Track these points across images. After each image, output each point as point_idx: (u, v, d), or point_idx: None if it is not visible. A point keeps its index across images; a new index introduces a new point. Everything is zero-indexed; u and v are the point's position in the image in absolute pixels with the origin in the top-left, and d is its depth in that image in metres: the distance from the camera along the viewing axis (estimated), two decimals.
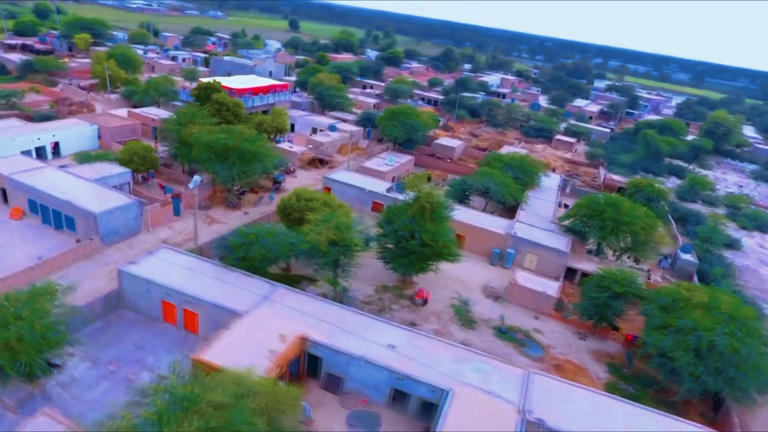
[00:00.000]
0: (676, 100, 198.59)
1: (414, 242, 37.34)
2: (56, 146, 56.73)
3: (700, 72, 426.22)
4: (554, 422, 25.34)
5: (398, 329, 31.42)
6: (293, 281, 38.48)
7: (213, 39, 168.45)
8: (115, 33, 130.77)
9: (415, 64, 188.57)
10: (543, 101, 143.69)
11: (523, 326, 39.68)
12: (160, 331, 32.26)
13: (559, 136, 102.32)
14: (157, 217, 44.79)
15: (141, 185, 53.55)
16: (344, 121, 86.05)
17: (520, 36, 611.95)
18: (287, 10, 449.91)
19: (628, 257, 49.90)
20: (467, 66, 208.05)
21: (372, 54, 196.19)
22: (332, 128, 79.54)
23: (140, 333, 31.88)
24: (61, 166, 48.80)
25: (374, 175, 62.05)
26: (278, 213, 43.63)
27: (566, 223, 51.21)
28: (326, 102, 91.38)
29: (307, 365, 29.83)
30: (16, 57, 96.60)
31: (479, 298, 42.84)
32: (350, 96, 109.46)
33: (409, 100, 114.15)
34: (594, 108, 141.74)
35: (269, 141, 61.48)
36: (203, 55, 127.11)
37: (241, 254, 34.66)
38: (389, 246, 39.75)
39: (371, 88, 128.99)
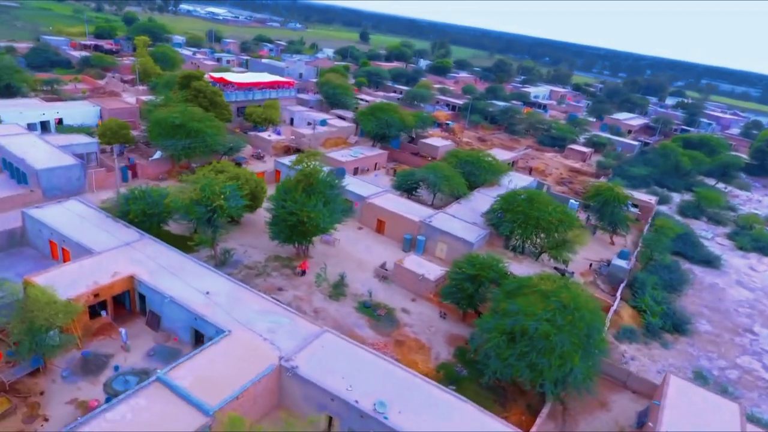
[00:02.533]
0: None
1: (284, 213, 39.56)
2: (60, 121, 65.83)
3: None
4: (308, 372, 26.35)
5: (226, 281, 33.85)
6: (192, 242, 41.70)
7: (270, 45, 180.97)
8: (174, 37, 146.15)
9: (463, 74, 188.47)
10: (582, 113, 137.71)
11: (392, 304, 40.16)
12: (44, 265, 37.31)
13: (573, 146, 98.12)
14: (102, 181, 50.89)
15: (119, 156, 60.70)
16: (344, 118, 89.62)
17: (606, 52, 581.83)
18: (369, 25, 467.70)
19: (548, 257, 47.96)
20: (521, 77, 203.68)
21: (423, 63, 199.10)
22: (322, 122, 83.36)
23: (27, 264, 37.12)
24: (44, 135, 57.06)
25: (334, 164, 64.65)
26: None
27: (488, 217, 50.36)
28: (331, 100, 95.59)
29: (139, 303, 33.20)
30: (78, 54, 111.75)
31: (368, 278, 43.86)
32: (370, 98, 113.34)
33: (426, 104, 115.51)
34: (637, 122, 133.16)
35: (252, 128, 66.47)
36: (247, 57, 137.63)
37: (124, 208, 39.08)
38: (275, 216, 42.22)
39: (400, 93, 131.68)
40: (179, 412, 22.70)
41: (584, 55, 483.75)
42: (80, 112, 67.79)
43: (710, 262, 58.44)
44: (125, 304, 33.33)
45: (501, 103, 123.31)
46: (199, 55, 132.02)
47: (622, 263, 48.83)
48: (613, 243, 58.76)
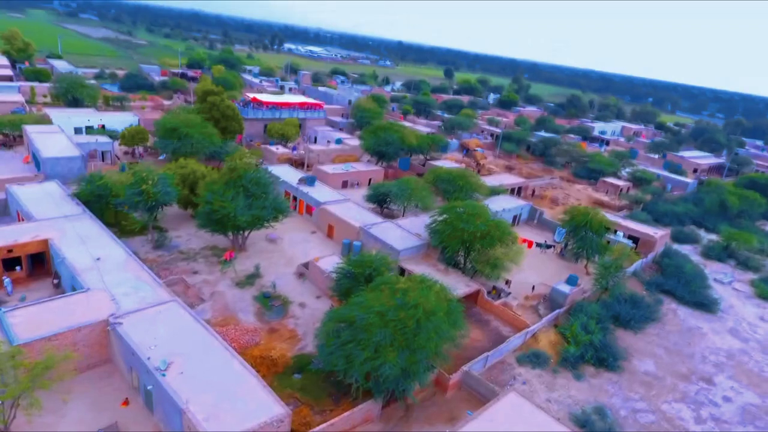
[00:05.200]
0: None
1: (204, 203, 42.97)
2: (103, 127, 76.89)
3: None
4: (128, 330, 28.58)
5: (123, 253, 37.41)
6: (125, 223, 46.76)
7: (343, 78, 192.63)
8: (250, 68, 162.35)
9: (531, 108, 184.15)
10: (642, 150, 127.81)
11: (293, 298, 41.27)
12: None
13: (607, 179, 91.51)
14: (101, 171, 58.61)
15: (141, 155, 70.01)
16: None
17: (731, 95, 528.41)
18: (463, 63, 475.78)
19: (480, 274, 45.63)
20: (595, 113, 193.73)
21: (492, 98, 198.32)
22: (338, 141, 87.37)
23: None
24: (76, 135, 67.33)
25: (320, 176, 67.81)
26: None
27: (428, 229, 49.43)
28: (360, 122, 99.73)
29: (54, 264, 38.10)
30: (160, 79, 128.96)
31: (289, 274, 45.41)
32: (408, 124, 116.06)
33: (465, 133, 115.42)
34: (706, 161, 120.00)
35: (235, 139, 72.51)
36: (307, 85, 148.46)
37: (79, 190, 45.20)
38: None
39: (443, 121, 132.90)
40: None
41: (696, 97, 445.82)
42: (121, 120, 78.46)
43: (705, 305, 51.14)
44: (44, 263, 38.42)
45: (547, 135, 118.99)
46: (265, 83, 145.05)
47: (564, 288, 44.93)
48: (588, 272, 53.97)
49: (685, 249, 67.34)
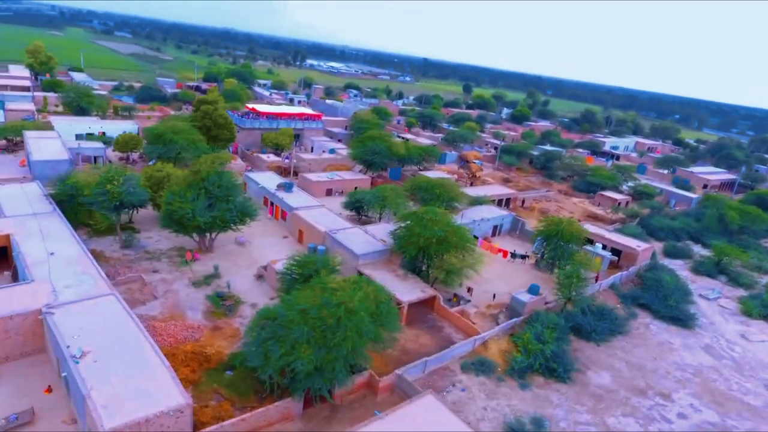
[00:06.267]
0: None
1: (165, 203, 44.12)
2: (103, 133, 79.96)
3: None
4: (59, 320, 29.44)
5: (78, 250, 38.47)
6: (92, 222, 48.01)
7: (356, 92, 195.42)
8: (263, 82, 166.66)
9: (543, 122, 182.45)
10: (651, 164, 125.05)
11: (246, 299, 41.69)
12: None
13: (606, 193, 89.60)
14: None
15: (130, 162, 72.29)
16: None
17: (751, 111, 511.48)
18: (486, 80, 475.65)
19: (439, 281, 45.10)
20: (610, 128, 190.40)
21: (505, 112, 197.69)
22: (331, 151, 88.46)
23: None
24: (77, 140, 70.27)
25: (304, 184, 68.81)
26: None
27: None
28: (357, 133, 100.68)
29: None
30: (173, 91, 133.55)
31: (249, 275, 45.98)
32: (411, 136, 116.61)
33: (466, 145, 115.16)
34: (717, 177, 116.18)
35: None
36: (316, 98, 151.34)
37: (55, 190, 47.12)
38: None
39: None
40: None
41: (727, 114, 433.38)
42: (121, 128, 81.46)
43: (680, 320, 49.19)
44: (7, 257, 40.01)
45: (551, 148, 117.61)
46: (275, 96, 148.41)
47: (524, 297, 43.98)
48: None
49: (676, 264, 65.10)
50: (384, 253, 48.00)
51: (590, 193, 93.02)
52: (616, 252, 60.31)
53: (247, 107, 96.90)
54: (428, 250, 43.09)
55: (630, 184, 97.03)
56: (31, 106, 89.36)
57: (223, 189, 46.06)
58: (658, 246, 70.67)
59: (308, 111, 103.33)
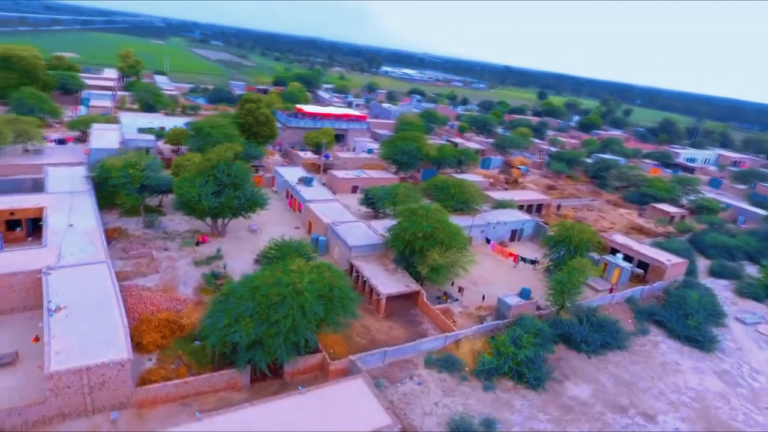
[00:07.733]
0: None
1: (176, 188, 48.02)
2: (163, 128, 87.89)
3: None
4: (53, 280, 33.51)
5: (96, 225, 43.23)
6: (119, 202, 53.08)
7: (419, 97, 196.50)
8: (326, 86, 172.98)
9: (614, 131, 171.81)
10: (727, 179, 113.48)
11: (237, 279, 44.12)
12: None
13: (659, 205, 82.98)
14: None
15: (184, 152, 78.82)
16: None
17: None
18: (568, 87, 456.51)
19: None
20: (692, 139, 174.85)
21: (575, 120, 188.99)
22: (369, 150, 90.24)
23: None
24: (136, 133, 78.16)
25: (330, 181, 71.18)
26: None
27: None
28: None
29: None
30: (239, 92, 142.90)
31: (250, 260, 48.64)
32: (460, 141, 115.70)
33: (516, 151, 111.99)
34: None
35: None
36: (373, 102, 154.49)
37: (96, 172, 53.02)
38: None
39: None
40: None
41: None
42: (178, 123, 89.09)
43: (698, 341, 44.75)
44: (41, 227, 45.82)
45: (609, 157, 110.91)
46: (335, 98, 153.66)
47: (511, 300, 42.41)
48: None
49: (719, 284, 59.05)
50: (379, 247, 48.53)
51: (643, 204, 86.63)
52: (643, 265, 56.00)
53: (297, 108, 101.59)
54: (413, 245, 43.05)
55: (691, 197, 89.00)
56: (109, 104, 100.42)
57: (232, 177, 49.15)
58: (705, 264, 64.56)
59: (354, 112, 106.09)
